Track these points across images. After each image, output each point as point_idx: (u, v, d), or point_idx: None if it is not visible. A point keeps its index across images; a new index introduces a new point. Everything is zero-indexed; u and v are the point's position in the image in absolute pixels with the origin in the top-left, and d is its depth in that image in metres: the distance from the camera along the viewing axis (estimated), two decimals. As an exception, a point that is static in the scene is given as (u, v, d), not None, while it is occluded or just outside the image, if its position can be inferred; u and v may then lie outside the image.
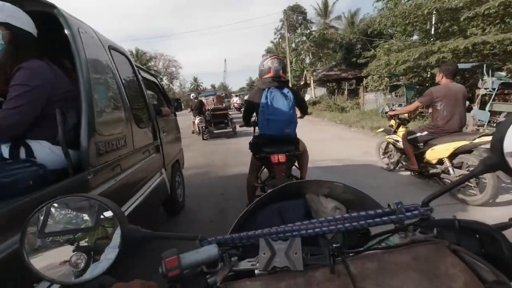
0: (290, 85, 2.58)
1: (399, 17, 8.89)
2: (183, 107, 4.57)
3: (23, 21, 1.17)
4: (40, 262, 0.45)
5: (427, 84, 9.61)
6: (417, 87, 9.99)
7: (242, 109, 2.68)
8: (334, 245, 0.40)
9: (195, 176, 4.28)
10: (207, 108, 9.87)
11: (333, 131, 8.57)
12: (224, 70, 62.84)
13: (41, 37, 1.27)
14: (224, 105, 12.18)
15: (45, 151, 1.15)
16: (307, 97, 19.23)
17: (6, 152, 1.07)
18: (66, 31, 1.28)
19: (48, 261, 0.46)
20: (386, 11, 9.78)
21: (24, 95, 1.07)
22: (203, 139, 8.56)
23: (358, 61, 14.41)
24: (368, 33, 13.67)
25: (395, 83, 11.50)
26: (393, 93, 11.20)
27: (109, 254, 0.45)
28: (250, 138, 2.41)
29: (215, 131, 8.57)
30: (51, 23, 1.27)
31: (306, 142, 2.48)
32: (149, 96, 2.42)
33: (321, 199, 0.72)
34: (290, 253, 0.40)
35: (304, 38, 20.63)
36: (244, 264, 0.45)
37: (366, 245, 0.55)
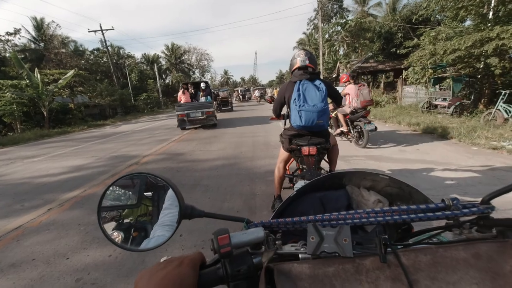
0: (321, 77, 2.51)
1: (451, 0, 7.96)
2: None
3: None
4: (108, 227, 0.52)
5: (479, 76, 8.56)
6: (467, 79, 8.94)
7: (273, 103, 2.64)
8: (383, 236, 0.39)
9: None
10: (220, 97, 19.01)
11: (366, 126, 8.13)
12: (254, 63, 62.97)
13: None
14: (228, 94, 22.89)
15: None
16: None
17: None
18: (208, 84, 11.33)
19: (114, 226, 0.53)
20: (434, -6, 8.78)
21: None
22: (216, 112, 15.78)
23: (398, 51, 13.23)
24: (413, 20, 12.47)
25: (440, 75, 10.44)
26: (437, 86, 10.19)
27: (168, 228, 0.50)
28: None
29: (222, 108, 17.53)
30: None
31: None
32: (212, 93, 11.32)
33: (362, 191, 0.69)
34: (339, 240, 0.40)
35: (339, 28, 19.57)
36: (288, 248, 0.46)
37: (412, 240, 0.52)
